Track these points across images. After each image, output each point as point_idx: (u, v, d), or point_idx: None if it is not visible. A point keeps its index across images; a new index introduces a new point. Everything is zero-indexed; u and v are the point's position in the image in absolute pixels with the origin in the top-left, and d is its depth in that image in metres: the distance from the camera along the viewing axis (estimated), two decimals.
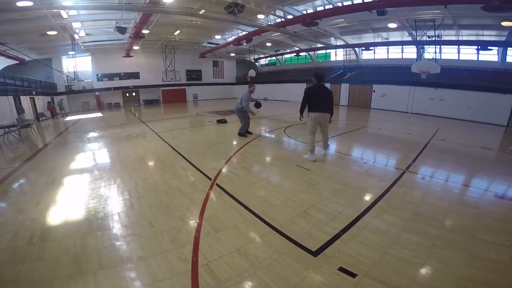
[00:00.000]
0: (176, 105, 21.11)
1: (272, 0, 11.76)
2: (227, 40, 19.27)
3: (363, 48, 17.91)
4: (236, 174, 4.49)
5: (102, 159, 5.92)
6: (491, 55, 13.29)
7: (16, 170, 5.14)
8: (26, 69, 16.07)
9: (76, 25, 13.22)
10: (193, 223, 2.91)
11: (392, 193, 3.61)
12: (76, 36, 14.61)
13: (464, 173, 4.77)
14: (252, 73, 22.87)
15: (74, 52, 15.56)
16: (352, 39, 17.66)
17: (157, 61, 22.16)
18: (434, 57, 14.08)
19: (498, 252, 2.31)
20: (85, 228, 2.87)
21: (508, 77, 12.21)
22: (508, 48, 12.78)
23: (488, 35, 12.68)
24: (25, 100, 13.22)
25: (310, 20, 11.40)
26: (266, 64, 28.49)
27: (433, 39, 13.04)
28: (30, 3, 8.61)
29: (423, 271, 2.12)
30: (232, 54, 25.63)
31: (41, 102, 15.66)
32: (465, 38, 13.46)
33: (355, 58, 19.34)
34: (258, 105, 7.73)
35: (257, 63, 27.07)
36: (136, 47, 18.19)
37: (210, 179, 4.25)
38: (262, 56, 25.79)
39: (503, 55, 13.01)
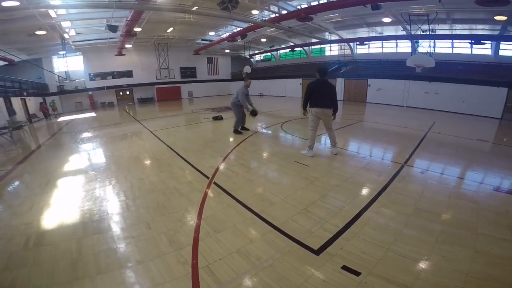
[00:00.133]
0: (171, 103, 20.89)
1: None
2: (221, 36, 19.04)
3: (358, 42, 17.88)
4: (234, 172, 4.43)
5: (96, 160, 5.80)
6: (484, 49, 13.37)
7: (9, 173, 5.00)
8: (16, 70, 15.67)
9: (65, 24, 12.88)
10: (191, 224, 2.84)
11: (392, 188, 3.58)
12: (66, 36, 14.27)
13: (462, 166, 4.77)
14: (247, 69, 22.71)
15: (64, 52, 15.21)
16: (346, 34, 17.61)
17: (151, 59, 21.86)
18: (429, 51, 14.13)
19: (502, 247, 2.29)
20: (80, 231, 2.79)
21: (501, 70, 12.31)
22: (501, 42, 12.87)
23: (481, 29, 12.73)
24: (16, 102, 12.94)
25: (305, 15, 11.27)
26: (261, 60, 28.30)
27: (427, 33, 13.06)
28: (17, 3, 8.33)
29: (428, 267, 2.09)
30: (227, 51, 25.39)
31: (33, 103, 15.34)
32: (458, 32, 13.51)
33: (350, 52, 19.31)
34: (254, 113, 7.28)
35: (252, 59, 26.89)
36: (128, 45, 17.88)
37: (207, 177, 4.18)
38: (257, 52, 25.61)
39: (496, 48, 13.10)
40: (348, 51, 19.42)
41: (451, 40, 14.36)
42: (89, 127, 10.96)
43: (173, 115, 13.56)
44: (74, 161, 5.79)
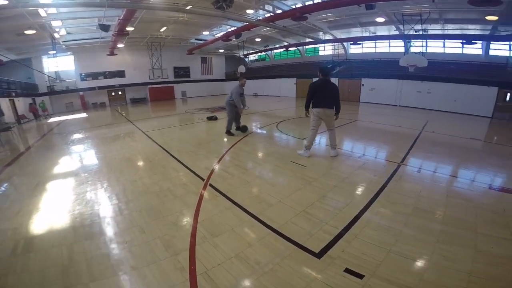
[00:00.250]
0: (164, 103, 20.63)
1: None
2: (216, 36, 18.90)
3: (351, 42, 17.98)
4: (229, 173, 4.35)
5: (87, 162, 5.64)
6: (475, 49, 13.60)
7: None
8: (4, 70, 15.21)
9: (56, 23, 12.54)
10: (187, 227, 2.75)
11: (390, 188, 3.57)
12: (56, 35, 13.92)
13: (457, 165, 4.80)
14: (241, 68, 22.62)
15: (55, 52, 14.85)
16: (340, 34, 17.68)
17: (143, 58, 21.55)
18: (421, 51, 14.31)
19: (501, 247, 2.29)
20: (71, 237, 2.67)
21: (491, 70, 12.55)
22: (491, 42, 13.11)
23: (473, 29, 12.93)
24: (4, 102, 12.56)
25: (300, 14, 11.26)
26: (256, 60, 28.23)
27: (420, 33, 13.21)
28: (5, 2, 8.06)
29: (430, 268, 2.06)
30: (221, 50, 25.24)
31: (22, 103, 14.92)
32: (450, 32, 13.70)
33: (344, 52, 19.41)
34: (244, 129, 7.47)
35: (246, 59, 26.79)
36: (120, 45, 17.57)
37: (202, 179, 4.09)
38: (251, 51, 25.53)
39: (487, 48, 13.33)
40: (341, 51, 19.51)
41: (443, 40, 14.56)
42: (80, 128, 10.72)
43: (166, 115, 13.38)
44: (65, 163, 5.61)
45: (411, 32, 13.30)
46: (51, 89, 18.65)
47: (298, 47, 22.02)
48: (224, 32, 17.64)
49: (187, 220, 2.91)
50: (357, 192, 3.53)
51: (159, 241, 2.51)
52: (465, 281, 1.91)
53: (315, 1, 12.32)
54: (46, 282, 2.06)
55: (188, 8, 11.35)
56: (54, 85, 18.49)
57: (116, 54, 19.39)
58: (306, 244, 2.38)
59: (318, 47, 21.75)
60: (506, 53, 12.70)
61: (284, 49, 22.42)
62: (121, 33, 13.06)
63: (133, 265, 2.19)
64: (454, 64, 13.83)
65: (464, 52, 14.06)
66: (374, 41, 17.56)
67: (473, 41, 12.96)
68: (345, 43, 18.63)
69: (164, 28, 16.45)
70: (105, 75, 21.01)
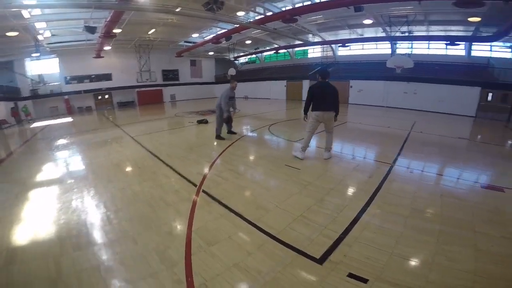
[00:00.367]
0: (153, 106, 20.24)
1: None
2: (205, 38, 18.74)
3: (340, 44, 18.23)
4: (223, 178, 4.24)
5: (73, 168, 5.40)
6: (458, 50, 14.06)
7: None
8: None
9: (40, 25, 12.09)
10: (182, 237, 2.63)
11: (385, 189, 3.56)
12: (40, 37, 13.42)
13: (448, 165, 4.89)
14: (232, 71, 22.49)
15: (38, 54, 14.31)
16: (328, 36, 17.90)
17: (131, 61, 21.06)
18: (407, 52, 14.67)
19: (500, 245, 2.30)
20: (57, 248, 2.51)
21: (474, 70, 13.00)
22: (473, 43, 13.59)
23: (456, 30, 13.36)
24: None
25: (290, 16, 11.30)
26: (246, 62, 28.20)
27: (406, 34, 13.55)
28: None
29: (435, 269, 2.05)
30: (211, 53, 25.06)
31: (3, 108, 14.31)
32: (435, 33, 14.12)
33: (332, 54, 19.66)
34: (227, 120, 6.90)
35: (237, 62, 26.71)
36: (107, 47, 17.10)
37: (195, 185, 3.96)
38: (241, 54, 25.48)
39: (469, 49, 13.82)
40: (330, 53, 19.76)
41: (428, 41, 14.97)
42: (65, 133, 10.32)
43: (155, 119, 13.07)
44: (49, 170, 5.35)
45: (398, 34, 13.63)
46: (35, 92, 17.91)
47: (288, 50, 22.15)
48: (214, 35, 17.52)
49: (181, 229, 2.79)
50: (353, 194, 3.51)
51: (154, 252, 2.38)
52: (470, 280, 1.91)
53: (304, 3, 12.43)
54: None
55: (177, 10, 11.18)
56: (37, 89, 17.78)
57: (102, 57, 18.88)
58: (306, 250, 2.32)
59: (307, 49, 21.97)
60: (487, 54, 13.22)
61: (274, 51, 22.49)
62: (108, 35, 12.74)
63: (127, 278, 2.07)
64: (438, 65, 14.25)
65: (448, 53, 14.51)
66: (361, 43, 17.87)
67: (456, 42, 13.39)
68: (333, 45, 18.88)
69: (152, 30, 16.17)
70: (91, 78, 20.39)
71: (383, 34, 15.17)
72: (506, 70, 11.45)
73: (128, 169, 5.14)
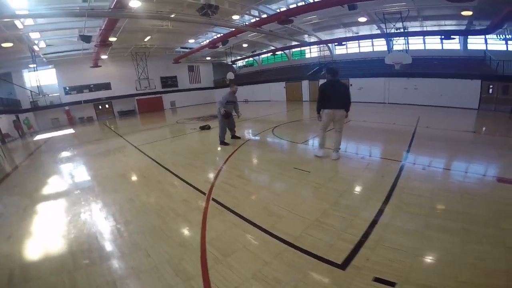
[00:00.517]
0: (153, 114, 20.21)
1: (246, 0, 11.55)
2: (202, 43, 18.77)
3: (336, 43, 18.23)
4: (231, 185, 4.14)
5: (78, 180, 5.33)
6: (454, 44, 14.04)
7: None
8: None
9: (34, 35, 12.07)
10: (196, 248, 2.53)
11: (400, 188, 3.47)
12: (35, 48, 13.43)
13: (460, 159, 4.81)
14: (230, 75, 22.52)
15: (35, 65, 14.32)
16: (324, 35, 17.93)
17: (129, 69, 21.07)
18: (404, 48, 14.65)
19: None
20: (70, 263, 2.43)
21: (472, 63, 12.97)
22: (469, 36, 13.57)
23: (449, 25, 13.36)
24: None
25: (285, 17, 11.31)
26: (244, 66, 28.24)
27: (401, 31, 13.53)
28: None
29: (464, 269, 1.96)
30: (208, 58, 25.12)
31: (5, 121, 14.22)
32: (429, 28, 14.12)
33: (329, 53, 19.66)
34: (226, 115, 6.74)
35: (234, 65, 26.72)
36: (104, 56, 17.13)
37: (203, 193, 3.86)
38: (239, 57, 25.51)
39: (465, 43, 13.81)
40: (327, 52, 19.76)
41: (423, 37, 14.96)
42: (68, 145, 10.27)
43: (157, 127, 12.99)
44: (55, 183, 5.28)
45: (393, 30, 13.63)
46: (35, 104, 17.93)
47: (285, 51, 22.17)
48: (211, 39, 17.55)
49: (193, 240, 2.69)
50: (368, 195, 3.39)
51: (168, 266, 2.29)
52: (503, 280, 1.82)
53: (298, 4, 12.43)
54: None
55: (172, 16, 11.19)
56: (37, 100, 17.77)
57: (100, 66, 18.91)
58: (326, 255, 2.23)
59: (305, 50, 21.98)
60: (483, 47, 13.18)
61: (271, 53, 22.53)
62: (103, 43, 12.73)
63: None
64: (436, 59, 14.22)
65: (444, 48, 14.49)
66: (358, 41, 17.87)
67: (451, 36, 13.36)
68: (330, 45, 18.88)
69: (148, 38, 16.21)
70: (90, 88, 20.42)
71: (378, 31, 15.19)
72: (504, 62, 11.39)
73: (134, 178, 5.07)
